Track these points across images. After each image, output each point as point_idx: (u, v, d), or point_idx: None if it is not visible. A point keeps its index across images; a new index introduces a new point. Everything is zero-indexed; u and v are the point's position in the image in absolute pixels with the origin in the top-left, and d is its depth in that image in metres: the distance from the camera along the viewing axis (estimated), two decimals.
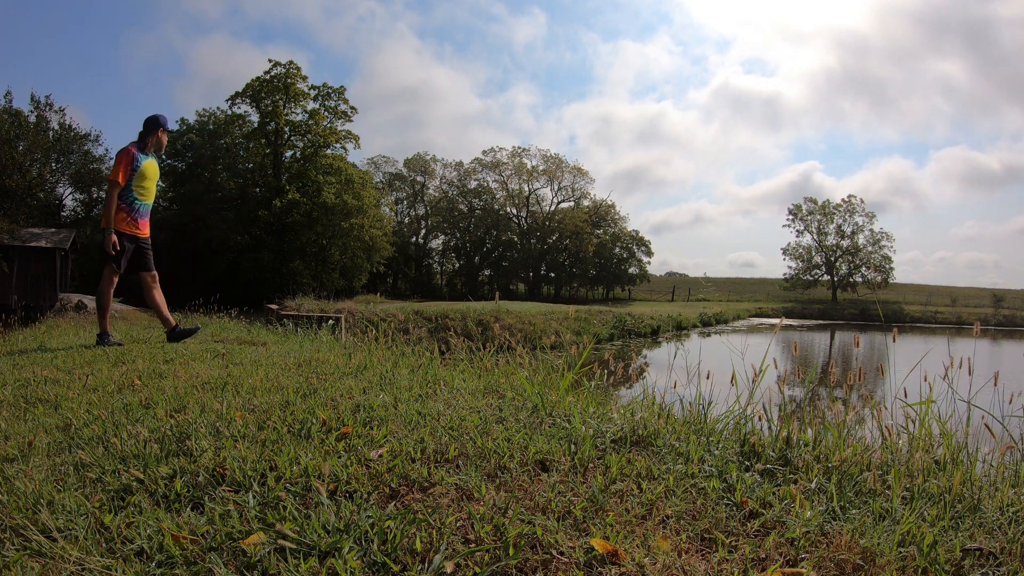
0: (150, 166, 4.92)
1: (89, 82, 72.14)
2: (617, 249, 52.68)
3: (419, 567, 1.09)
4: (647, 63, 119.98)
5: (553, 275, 52.83)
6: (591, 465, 1.66)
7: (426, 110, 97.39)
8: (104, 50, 79.78)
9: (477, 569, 1.09)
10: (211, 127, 34.84)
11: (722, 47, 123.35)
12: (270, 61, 33.08)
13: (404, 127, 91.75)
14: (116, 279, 4.84)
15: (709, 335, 26.55)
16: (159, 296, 5.04)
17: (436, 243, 52.74)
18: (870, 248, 50.70)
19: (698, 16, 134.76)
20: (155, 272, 5.05)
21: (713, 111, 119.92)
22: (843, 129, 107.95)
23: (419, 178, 50.74)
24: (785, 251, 53.63)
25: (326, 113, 33.83)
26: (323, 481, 1.42)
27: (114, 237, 4.68)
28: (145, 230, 4.97)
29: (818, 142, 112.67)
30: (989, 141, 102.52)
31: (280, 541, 1.14)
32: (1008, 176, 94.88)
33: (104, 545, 1.17)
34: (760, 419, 2.30)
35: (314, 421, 1.93)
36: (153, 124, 4.91)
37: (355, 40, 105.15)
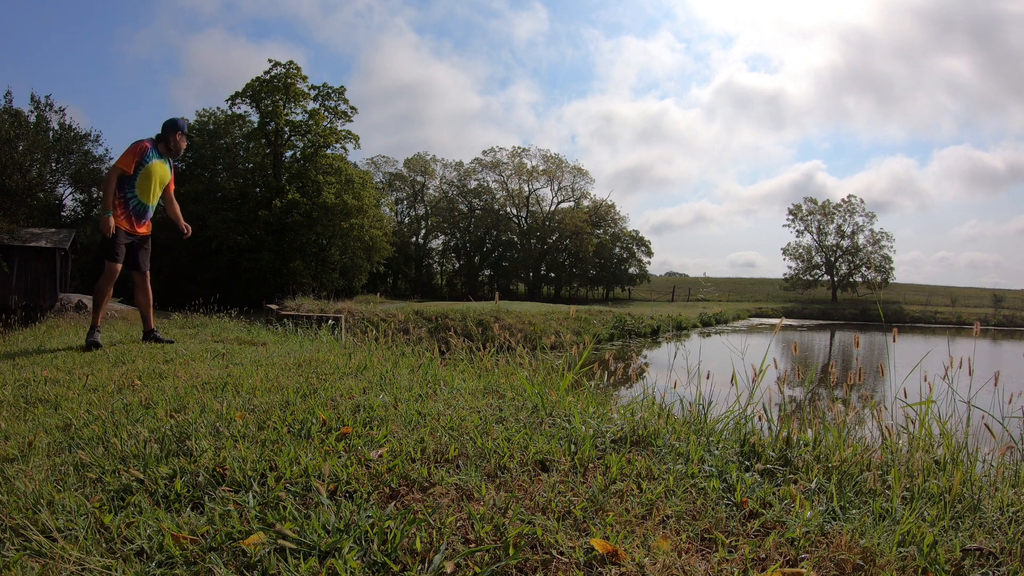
0: (159, 167, 4.76)
1: (85, 81, 72.13)
2: (617, 249, 52.75)
3: (419, 567, 1.09)
4: (649, 60, 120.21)
5: (553, 275, 52.86)
6: (591, 465, 1.66)
7: (426, 107, 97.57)
8: (98, 48, 79.73)
9: (477, 569, 1.09)
10: (211, 127, 34.85)
11: (726, 43, 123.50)
12: (270, 61, 33.17)
13: (403, 125, 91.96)
14: (117, 274, 4.64)
15: (709, 335, 26.55)
16: (145, 297, 4.90)
17: (436, 243, 52.81)
18: (870, 248, 50.73)
19: (701, 12, 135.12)
20: (146, 272, 4.90)
21: (716, 109, 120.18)
22: (848, 127, 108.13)
23: (419, 178, 50.76)
24: (785, 251, 53.75)
25: (326, 113, 33.83)
26: (323, 481, 1.42)
27: (111, 220, 4.47)
28: (141, 230, 4.79)
29: (822, 140, 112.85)
30: (994, 140, 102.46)
31: (280, 541, 1.14)
32: (1012, 175, 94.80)
33: (104, 545, 1.17)
34: (760, 419, 2.30)
35: (314, 421, 1.93)
36: (171, 127, 4.80)
37: (352, 36, 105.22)
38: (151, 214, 4.89)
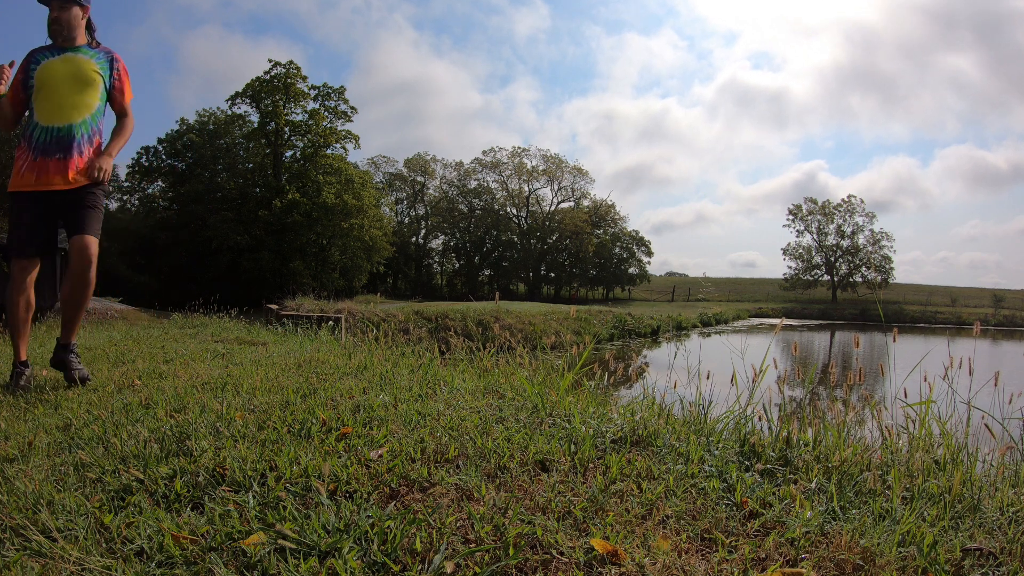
0: (58, 64, 2.93)
1: None
2: (617, 249, 52.78)
3: (419, 567, 1.09)
4: (651, 58, 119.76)
5: (553, 275, 52.87)
6: (591, 465, 1.66)
7: (425, 105, 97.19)
8: None
9: (477, 569, 1.09)
10: (211, 127, 34.88)
11: (729, 40, 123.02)
12: (270, 61, 33.20)
13: (403, 123, 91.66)
14: (27, 272, 2.92)
15: (709, 335, 26.55)
16: (77, 289, 2.89)
17: (436, 243, 52.82)
18: (870, 248, 50.75)
19: (704, 9, 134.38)
20: (88, 241, 2.85)
21: (718, 107, 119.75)
22: (851, 126, 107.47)
23: (419, 178, 50.78)
24: (785, 251, 53.74)
25: (326, 113, 33.84)
26: (323, 481, 1.42)
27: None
28: (57, 176, 2.85)
29: (825, 139, 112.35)
30: (997, 139, 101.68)
31: (280, 541, 1.14)
32: (1014, 175, 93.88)
33: (104, 545, 1.17)
34: (760, 419, 2.30)
35: (314, 421, 1.93)
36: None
37: (350, 33, 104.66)
38: (82, 143, 2.92)
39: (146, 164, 33.58)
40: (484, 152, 54.11)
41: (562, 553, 1.16)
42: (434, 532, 1.20)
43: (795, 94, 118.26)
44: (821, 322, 40.73)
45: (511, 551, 1.14)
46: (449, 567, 1.08)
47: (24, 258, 2.92)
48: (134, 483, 1.46)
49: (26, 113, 3.01)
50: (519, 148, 53.00)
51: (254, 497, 1.34)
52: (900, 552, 1.25)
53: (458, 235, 51.75)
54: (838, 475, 1.70)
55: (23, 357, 2.92)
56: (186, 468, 1.52)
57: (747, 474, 1.65)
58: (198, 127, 34.89)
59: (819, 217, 52.57)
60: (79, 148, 2.92)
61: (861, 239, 51.28)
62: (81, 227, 2.87)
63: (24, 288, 2.93)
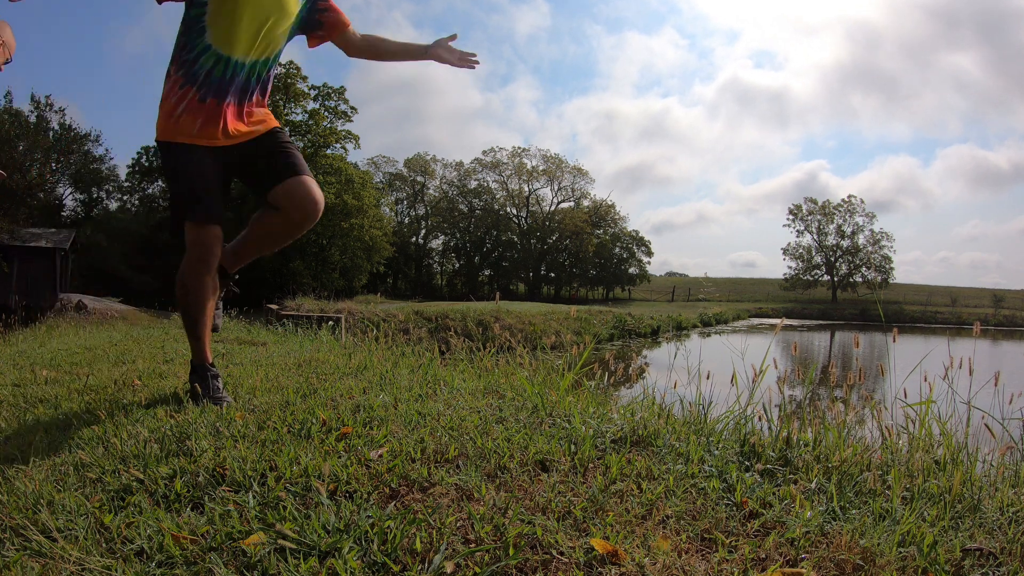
0: None
1: (79, 79, 71.22)
2: (617, 249, 52.84)
3: (419, 567, 1.09)
4: (652, 57, 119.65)
5: (553, 275, 52.92)
6: (591, 465, 1.66)
7: (425, 105, 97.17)
8: (90, 46, 78.54)
9: (477, 569, 1.09)
10: None
11: (730, 39, 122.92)
12: None
13: (402, 122, 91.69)
14: (214, 244, 2.22)
15: (709, 335, 26.55)
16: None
17: (436, 243, 52.90)
18: (870, 248, 50.84)
19: (706, 7, 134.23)
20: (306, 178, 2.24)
21: (719, 107, 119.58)
22: (853, 125, 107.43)
23: (419, 178, 50.83)
24: (785, 251, 53.84)
25: (326, 113, 33.90)
26: (323, 481, 1.42)
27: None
28: (243, 126, 2.20)
29: (827, 138, 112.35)
30: (999, 139, 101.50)
31: (280, 541, 1.14)
32: (1015, 175, 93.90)
33: (104, 545, 1.17)
34: (760, 419, 2.30)
35: (314, 421, 1.93)
36: None
37: None
38: (254, 89, 2.22)
39: (146, 164, 33.58)
40: (484, 152, 54.24)
41: (562, 553, 1.16)
42: (434, 532, 1.20)
43: (796, 93, 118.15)
44: (821, 322, 40.73)
45: (511, 551, 1.14)
46: (449, 567, 1.08)
47: (211, 222, 2.18)
48: (134, 483, 1.46)
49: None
50: (519, 148, 53.21)
51: (254, 497, 1.34)
52: (900, 552, 1.25)
53: (458, 235, 51.78)
54: (838, 475, 1.70)
55: (210, 358, 2.31)
56: (186, 468, 1.52)
57: (747, 474, 1.65)
58: None
59: (819, 217, 52.69)
60: (252, 95, 2.22)
61: (861, 239, 51.43)
62: (297, 167, 2.21)
63: (209, 265, 2.24)
